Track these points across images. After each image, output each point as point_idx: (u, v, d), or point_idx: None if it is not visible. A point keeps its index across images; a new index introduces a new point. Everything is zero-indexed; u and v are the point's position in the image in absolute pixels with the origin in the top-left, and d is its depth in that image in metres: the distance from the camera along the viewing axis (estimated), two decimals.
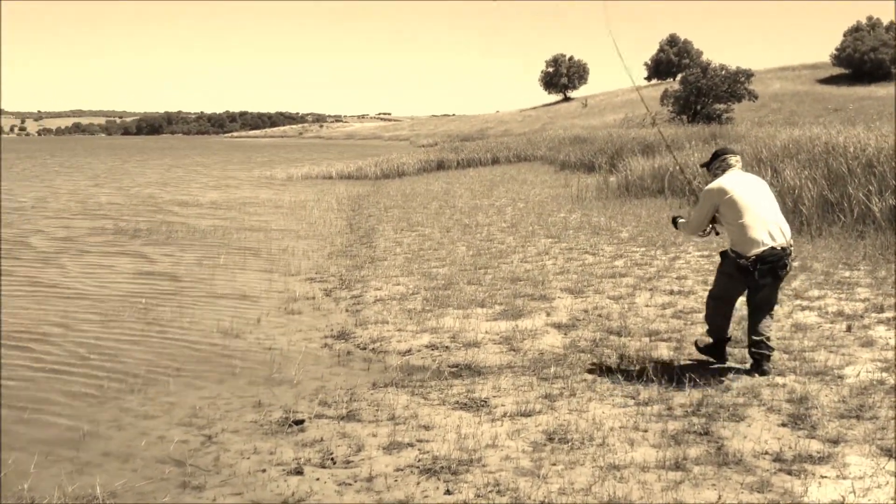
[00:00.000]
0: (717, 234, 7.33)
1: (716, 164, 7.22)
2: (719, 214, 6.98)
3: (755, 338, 6.86)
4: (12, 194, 29.99)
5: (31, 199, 27.70)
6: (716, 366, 7.09)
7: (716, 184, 7.02)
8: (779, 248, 6.69)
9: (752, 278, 6.70)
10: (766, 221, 6.74)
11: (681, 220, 7.63)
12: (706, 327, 7.39)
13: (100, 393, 7.20)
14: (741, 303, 7.17)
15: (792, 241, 6.90)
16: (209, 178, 40.03)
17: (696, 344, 7.40)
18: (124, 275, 12.97)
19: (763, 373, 6.79)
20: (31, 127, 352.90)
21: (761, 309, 6.87)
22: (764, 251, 6.64)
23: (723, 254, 7.04)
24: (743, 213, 6.73)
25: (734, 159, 7.18)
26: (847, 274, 10.67)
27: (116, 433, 6.23)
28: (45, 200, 27.45)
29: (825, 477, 4.84)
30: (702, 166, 7.69)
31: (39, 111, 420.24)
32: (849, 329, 8.11)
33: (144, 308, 10.46)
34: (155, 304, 10.66)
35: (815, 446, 5.27)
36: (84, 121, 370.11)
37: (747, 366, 6.99)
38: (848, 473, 4.87)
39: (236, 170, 48.42)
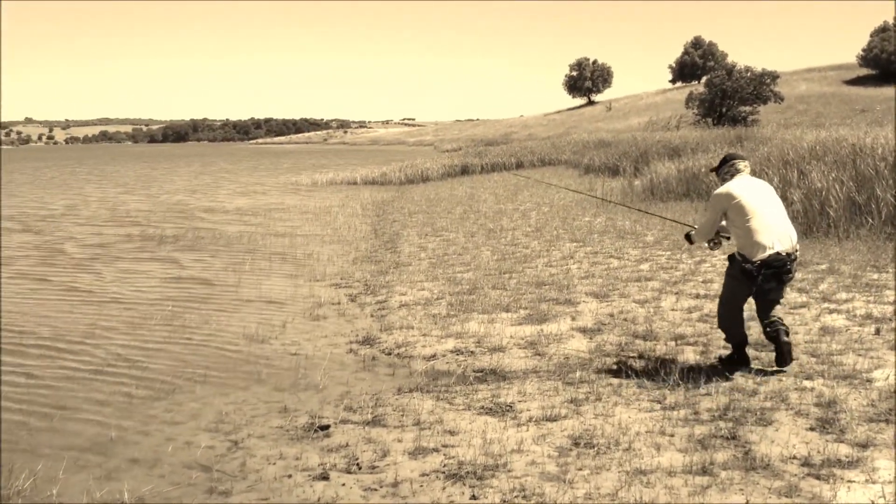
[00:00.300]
0: (720, 243, 7.40)
1: (724, 168, 7.30)
2: (727, 219, 7.05)
3: (766, 320, 6.94)
4: (43, 202, 30.61)
5: (61, 207, 28.10)
6: (742, 369, 7.04)
7: (724, 188, 7.08)
8: (784, 253, 6.74)
9: (755, 283, 6.77)
10: (772, 227, 6.80)
11: (692, 233, 7.66)
12: (723, 336, 7.42)
13: (127, 399, 7.27)
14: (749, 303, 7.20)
15: (798, 247, 6.95)
16: (236, 185, 40.31)
17: (719, 360, 7.36)
18: (152, 280, 13.07)
19: (786, 344, 6.81)
20: (59, 135, 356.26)
21: (768, 308, 6.95)
22: (769, 256, 6.69)
23: (730, 257, 7.09)
24: (750, 218, 6.79)
25: (743, 164, 7.26)
26: (875, 276, 10.56)
27: (144, 439, 6.28)
28: (75, 208, 27.87)
29: (854, 481, 4.79)
30: (711, 171, 7.84)
31: (67, 120, 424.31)
32: (878, 332, 8.03)
33: (171, 313, 10.54)
34: (181, 310, 10.74)
35: (843, 450, 5.21)
36: (111, 129, 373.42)
37: (770, 362, 6.94)
38: (877, 478, 4.82)
39: (262, 176, 48.72)
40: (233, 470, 5.55)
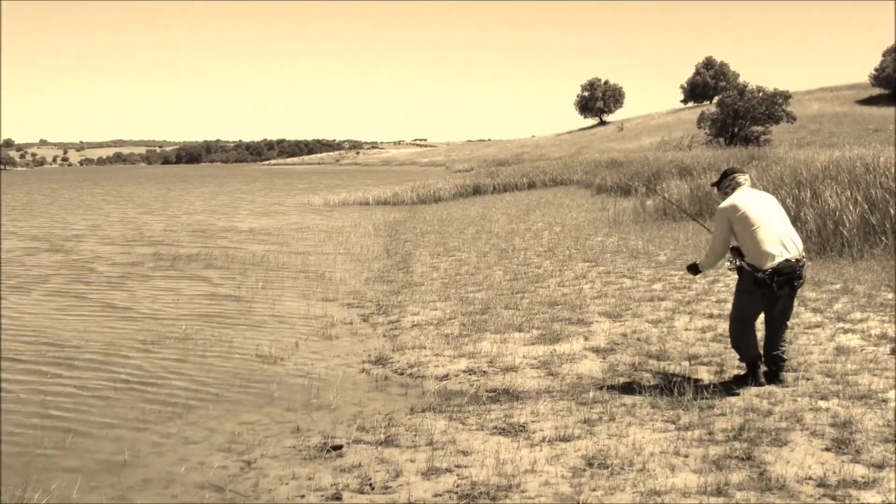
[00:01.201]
0: (735, 263, 7.36)
1: (725, 182, 7.44)
2: (733, 232, 7.12)
3: (773, 352, 7.12)
4: (67, 222, 31.26)
5: (84, 227, 28.67)
6: (756, 389, 7.00)
7: (728, 202, 7.20)
8: (793, 259, 6.87)
9: (769, 290, 6.84)
10: (778, 235, 6.92)
11: (699, 262, 7.67)
12: (737, 355, 7.47)
13: (141, 419, 7.28)
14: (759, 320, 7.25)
15: (804, 253, 7.09)
16: (253, 206, 40.46)
17: (734, 379, 7.36)
18: (168, 298, 13.11)
19: (780, 382, 7.07)
20: (74, 157, 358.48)
21: (779, 323, 7.06)
22: (780, 263, 6.81)
23: (740, 271, 7.12)
24: (756, 228, 6.91)
25: (743, 178, 7.42)
26: (890, 296, 10.50)
27: (157, 459, 6.29)
28: (99, 228, 28.44)
29: (870, 503, 4.75)
30: (712, 185, 7.93)
31: (81, 142, 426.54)
32: (893, 352, 7.99)
33: (185, 333, 10.57)
34: (195, 330, 10.76)
35: (859, 471, 5.18)
36: (125, 150, 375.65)
37: (788, 382, 6.92)
38: (894, 499, 4.77)
39: (277, 197, 48.90)
40: (246, 490, 5.55)
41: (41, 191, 65.07)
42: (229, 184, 75.39)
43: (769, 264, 6.79)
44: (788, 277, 6.83)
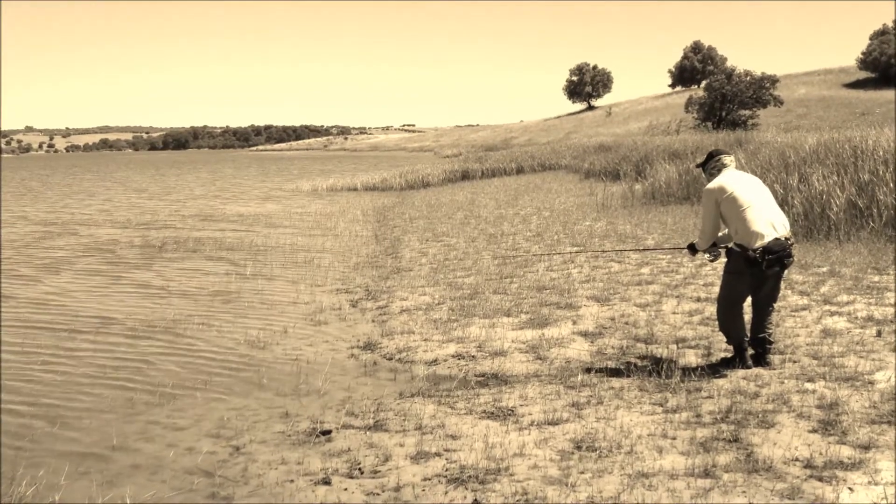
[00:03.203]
0: (720, 254, 7.50)
1: (711, 164, 7.49)
2: (721, 213, 7.16)
3: (759, 335, 7.17)
4: (72, 208, 31.60)
5: (93, 212, 29.07)
6: (743, 372, 7.04)
7: (714, 183, 7.25)
8: (782, 238, 6.93)
9: (759, 269, 6.88)
10: (767, 215, 6.99)
11: (695, 241, 7.71)
12: (724, 338, 7.52)
13: (129, 405, 7.27)
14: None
15: (791, 234, 7.14)
16: (256, 191, 40.34)
17: (721, 362, 7.39)
18: (146, 289, 13.08)
19: (766, 364, 7.13)
20: (60, 143, 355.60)
21: (765, 305, 7.12)
22: (769, 242, 6.86)
23: (728, 252, 7.18)
24: (745, 209, 6.96)
25: (728, 159, 7.47)
26: (876, 279, 10.56)
27: (145, 445, 6.28)
28: (108, 213, 28.71)
29: (856, 483, 4.79)
30: (697, 167, 7.98)
31: (67, 128, 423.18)
32: (879, 334, 8.03)
33: (171, 321, 10.54)
34: (183, 316, 10.74)
35: (846, 452, 5.21)
36: (111, 136, 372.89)
37: (775, 364, 6.95)
38: (880, 479, 4.81)
39: (276, 182, 48.73)
40: (235, 475, 5.55)
41: (32, 178, 64.67)
42: (221, 170, 75.04)
43: (759, 243, 6.83)
44: (779, 256, 6.86)
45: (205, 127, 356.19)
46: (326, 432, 6.21)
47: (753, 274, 6.94)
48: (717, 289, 10.41)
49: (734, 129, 45.76)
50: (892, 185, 14.24)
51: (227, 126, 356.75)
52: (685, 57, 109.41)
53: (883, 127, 22.61)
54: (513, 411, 6.46)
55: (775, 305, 7.27)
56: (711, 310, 9.39)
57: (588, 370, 7.46)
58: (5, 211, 30.16)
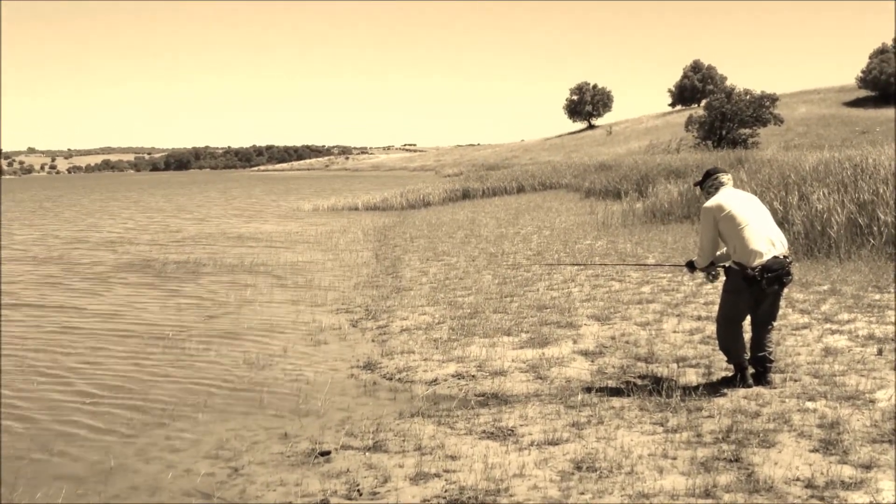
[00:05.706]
0: (718, 275, 7.46)
1: (708, 182, 7.49)
2: (720, 231, 7.16)
3: (759, 353, 7.15)
4: (96, 227, 32.10)
5: (122, 231, 29.52)
6: (744, 391, 7.01)
7: (712, 201, 7.24)
8: (781, 256, 6.93)
9: (758, 287, 6.87)
10: (765, 233, 7.00)
11: (695, 259, 7.70)
12: (725, 357, 7.48)
13: (128, 426, 7.24)
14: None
15: (790, 251, 7.16)
16: (274, 209, 40.34)
17: (722, 381, 7.37)
18: (154, 304, 13.07)
19: (767, 383, 7.10)
20: (62, 165, 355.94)
21: (765, 323, 7.14)
22: (768, 260, 6.86)
23: (727, 271, 7.16)
24: (743, 227, 6.97)
25: (726, 177, 7.47)
26: (877, 297, 10.54)
27: (144, 466, 6.26)
28: (137, 231, 29.11)
29: (858, 503, 4.76)
30: (695, 185, 7.98)
31: (69, 149, 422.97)
32: (880, 352, 8.01)
33: (171, 340, 10.53)
34: (182, 336, 10.72)
35: (847, 472, 5.18)
36: (113, 157, 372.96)
37: (776, 383, 6.93)
38: (881, 499, 4.78)
39: (291, 201, 48.70)
40: (233, 497, 5.52)
41: (40, 199, 64.67)
42: (230, 190, 75.06)
43: (757, 261, 6.83)
44: (778, 274, 6.86)
45: (206, 147, 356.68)
46: (325, 453, 6.18)
47: (752, 292, 6.93)
48: (717, 307, 10.42)
49: (734, 147, 45.84)
50: (892, 203, 14.24)
51: (229, 146, 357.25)
52: (685, 76, 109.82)
53: (883, 145, 22.66)
54: (513, 431, 6.43)
55: (775, 324, 7.28)
56: (712, 328, 9.35)
57: (588, 389, 7.43)
58: (35, 229, 30.64)
